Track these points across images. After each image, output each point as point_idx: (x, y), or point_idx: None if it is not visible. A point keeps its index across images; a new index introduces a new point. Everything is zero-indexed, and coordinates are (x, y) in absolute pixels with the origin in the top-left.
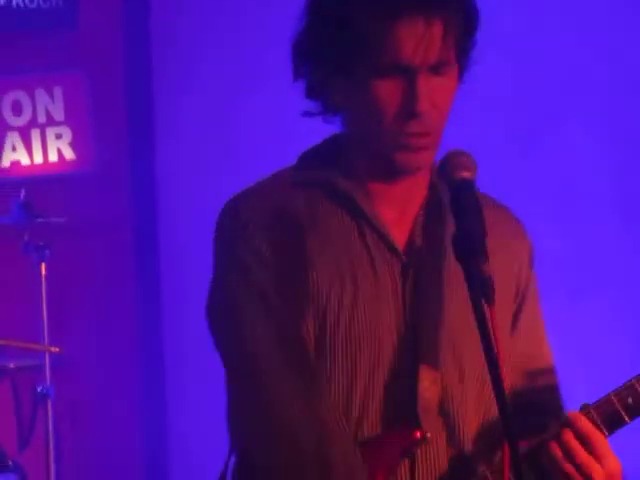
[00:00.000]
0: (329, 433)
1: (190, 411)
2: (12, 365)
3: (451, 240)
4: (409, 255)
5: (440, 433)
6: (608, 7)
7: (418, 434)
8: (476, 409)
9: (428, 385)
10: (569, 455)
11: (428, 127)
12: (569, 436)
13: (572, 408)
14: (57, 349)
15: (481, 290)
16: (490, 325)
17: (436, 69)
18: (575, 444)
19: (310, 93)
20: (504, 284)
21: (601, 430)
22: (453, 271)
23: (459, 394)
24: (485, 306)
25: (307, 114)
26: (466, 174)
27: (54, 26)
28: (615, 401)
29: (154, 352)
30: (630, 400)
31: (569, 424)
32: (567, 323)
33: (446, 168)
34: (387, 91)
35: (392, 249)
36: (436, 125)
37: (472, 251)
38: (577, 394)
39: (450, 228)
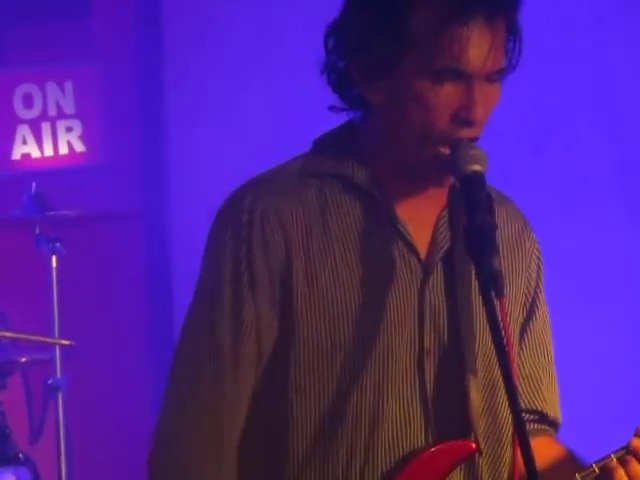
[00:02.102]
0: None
1: None
2: (23, 358)
3: (462, 233)
4: (431, 256)
5: (483, 438)
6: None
7: (474, 445)
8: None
9: (475, 394)
10: (630, 473)
11: (478, 134)
12: (635, 464)
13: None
14: (69, 342)
15: (491, 283)
16: (500, 318)
17: (491, 77)
18: (637, 466)
19: (338, 87)
20: (514, 283)
21: None
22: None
23: (492, 398)
24: (495, 300)
25: (332, 109)
26: (477, 167)
27: (64, 17)
28: None
29: (165, 344)
30: None
31: (634, 452)
32: (576, 321)
33: (456, 161)
34: (440, 96)
35: (411, 248)
36: (481, 131)
37: (482, 244)
38: (584, 394)
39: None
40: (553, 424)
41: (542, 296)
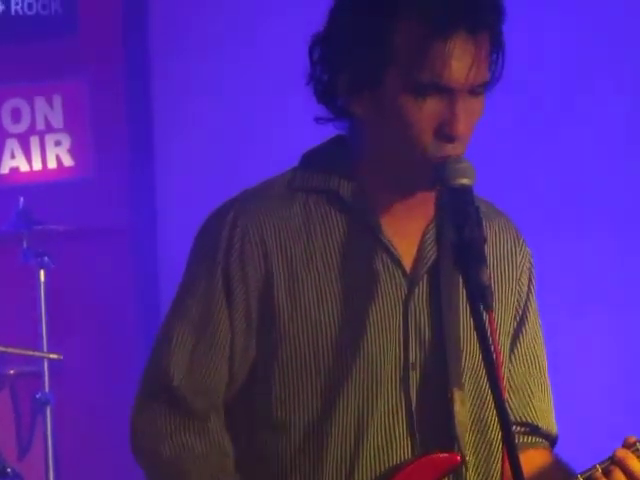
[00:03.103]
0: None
1: None
2: (11, 372)
3: (450, 246)
4: (417, 269)
5: (471, 450)
6: None
7: (458, 457)
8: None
9: (460, 407)
10: None
11: (462, 151)
12: (619, 475)
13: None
14: (57, 356)
15: (480, 297)
16: (489, 331)
17: (474, 90)
18: (621, 477)
19: (324, 98)
20: (504, 297)
21: None
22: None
23: (481, 412)
24: (484, 313)
25: (318, 120)
26: (465, 181)
27: (53, 34)
28: None
29: None
30: None
31: (619, 462)
32: (569, 327)
33: (444, 175)
34: (422, 111)
35: (395, 261)
36: (466, 146)
37: (471, 258)
38: (577, 401)
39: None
40: (547, 436)
41: (533, 308)
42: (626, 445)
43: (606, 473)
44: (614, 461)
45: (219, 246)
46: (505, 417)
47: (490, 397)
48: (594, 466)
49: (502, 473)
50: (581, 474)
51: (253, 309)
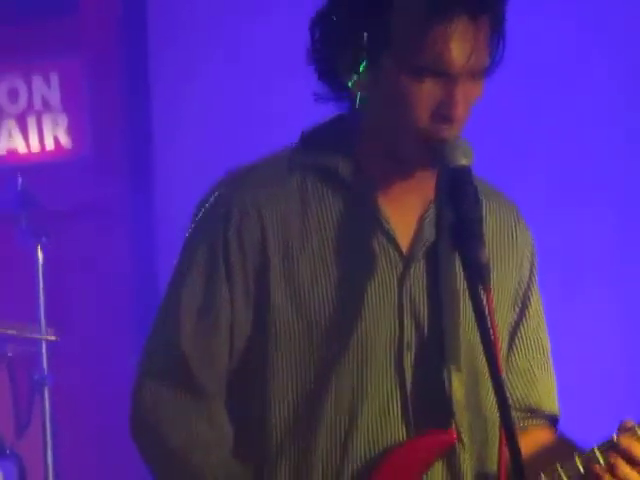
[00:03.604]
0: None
1: None
2: (9, 353)
3: (448, 225)
4: (414, 249)
5: (467, 432)
6: None
7: (454, 435)
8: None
9: (458, 386)
10: (619, 476)
11: (458, 132)
12: (625, 468)
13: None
14: (54, 337)
15: (477, 274)
16: (486, 309)
17: (474, 75)
18: (634, 475)
19: (324, 77)
20: (504, 277)
21: None
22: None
23: (476, 392)
24: (482, 291)
25: (318, 97)
26: (463, 161)
27: (51, 12)
28: None
29: None
30: None
31: (623, 452)
32: (565, 315)
33: (443, 155)
34: (420, 92)
35: (391, 240)
36: (462, 128)
37: (468, 236)
38: (575, 389)
39: None
40: (550, 417)
41: (536, 293)
42: (624, 430)
43: (610, 468)
44: (618, 450)
45: (218, 222)
46: (502, 394)
47: (484, 377)
48: (592, 450)
49: (500, 454)
50: (578, 455)
51: (251, 284)
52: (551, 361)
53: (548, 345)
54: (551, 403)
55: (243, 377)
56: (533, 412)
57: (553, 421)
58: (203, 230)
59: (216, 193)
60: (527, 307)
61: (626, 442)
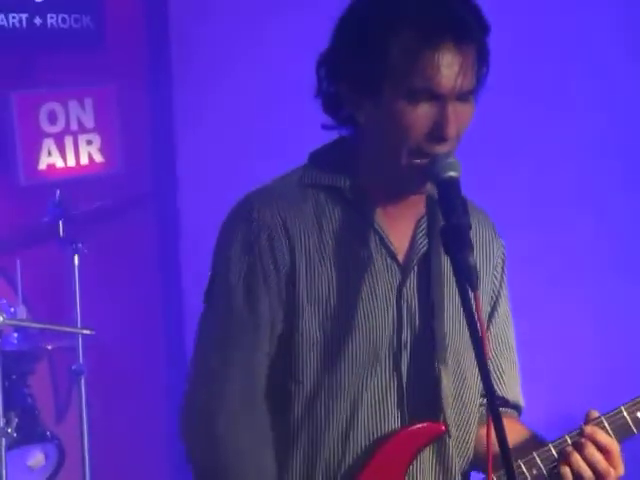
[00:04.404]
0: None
1: None
2: (49, 346)
3: (439, 232)
4: (409, 260)
5: (453, 423)
6: None
7: (443, 427)
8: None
9: (447, 383)
10: (591, 464)
11: (452, 149)
12: (592, 449)
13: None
14: (89, 331)
15: (466, 276)
16: (475, 309)
17: (463, 97)
18: (598, 455)
19: (329, 110)
20: (484, 280)
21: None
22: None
23: (461, 389)
24: (471, 293)
25: (325, 127)
26: (453, 173)
27: (84, 45)
28: (626, 414)
29: (176, 333)
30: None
31: (589, 437)
32: (544, 312)
33: (435, 170)
34: (416, 114)
35: (392, 255)
36: (455, 148)
37: (458, 242)
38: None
39: None
40: (515, 407)
41: (504, 293)
42: (590, 420)
43: (577, 447)
44: (584, 435)
45: (249, 238)
46: (491, 389)
47: (468, 374)
48: (563, 437)
49: (487, 437)
50: (552, 443)
51: (283, 291)
52: (516, 356)
53: (514, 341)
54: (515, 394)
55: (272, 374)
56: (500, 400)
57: (517, 410)
58: (238, 241)
59: (243, 211)
60: (497, 306)
61: (591, 429)
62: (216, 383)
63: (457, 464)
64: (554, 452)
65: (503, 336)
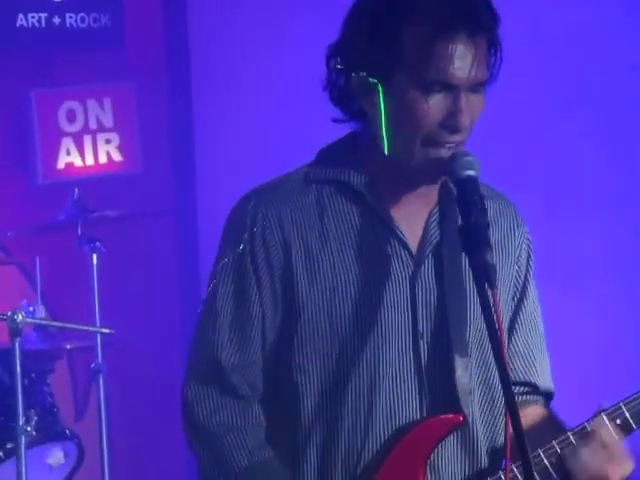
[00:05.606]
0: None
1: None
2: (69, 345)
3: (457, 231)
4: (422, 250)
5: (477, 409)
6: None
7: (461, 417)
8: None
9: (462, 373)
10: (594, 460)
11: (464, 139)
12: (596, 444)
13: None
14: (108, 330)
15: (484, 276)
16: (493, 307)
17: (475, 88)
18: (601, 451)
19: (339, 102)
20: (505, 268)
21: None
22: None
23: (487, 376)
24: (489, 291)
25: (335, 121)
26: (471, 172)
27: (103, 44)
28: (625, 410)
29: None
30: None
31: (594, 433)
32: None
33: (453, 167)
34: (429, 105)
35: (403, 244)
36: (467, 137)
37: (477, 242)
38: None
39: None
40: (546, 394)
41: (532, 281)
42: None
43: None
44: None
45: (243, 233)
46: (507, 381)
47: (493, 363)
48: (582, 424)
49: (506, 430)
50: (571, 431)
51: (277, 285)
52: (545, 344)
53: (542, 329)
54: (546, 380)
55: (274, 368)
56: (531, 388)
57: (548, 397)
58: (232, 241)
59: (241, 206)
60: (525, 295)
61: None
62: (199, 382)
63: (483, 447)
64: (572, 440)
65: (533, 324)
